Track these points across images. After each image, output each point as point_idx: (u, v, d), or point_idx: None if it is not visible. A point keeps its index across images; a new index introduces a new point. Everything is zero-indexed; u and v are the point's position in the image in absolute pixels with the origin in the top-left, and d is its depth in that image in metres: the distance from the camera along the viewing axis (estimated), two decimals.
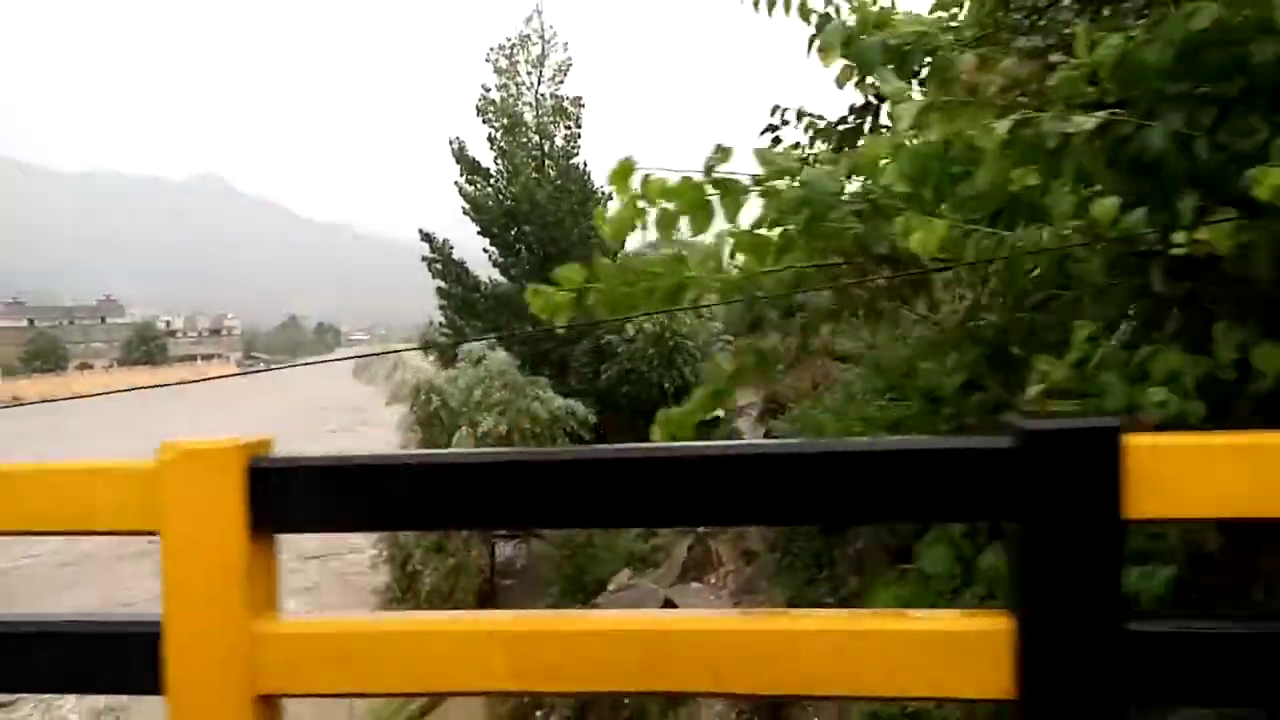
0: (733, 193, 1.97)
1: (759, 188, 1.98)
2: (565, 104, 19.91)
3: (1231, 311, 2.08)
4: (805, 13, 3.07)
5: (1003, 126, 1.96)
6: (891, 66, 2.62)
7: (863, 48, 2.44)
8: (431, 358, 19.52)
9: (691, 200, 1.93)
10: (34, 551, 21.54)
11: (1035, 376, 1.77)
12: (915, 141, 1.93)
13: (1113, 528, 1.12)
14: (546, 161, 19.45)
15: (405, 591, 15.83)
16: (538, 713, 8.43)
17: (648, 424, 2.32)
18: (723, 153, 1.89)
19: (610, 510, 1.25)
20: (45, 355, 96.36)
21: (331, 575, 21.15)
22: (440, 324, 20.14)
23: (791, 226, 2.02)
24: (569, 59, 20.11)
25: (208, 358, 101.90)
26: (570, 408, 15.36)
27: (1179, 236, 1.66)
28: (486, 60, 19.66)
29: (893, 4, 3.27)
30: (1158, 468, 1.12)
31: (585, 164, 19.87)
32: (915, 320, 2.18)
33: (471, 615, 1.32)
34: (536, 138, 19.62)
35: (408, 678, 1.26)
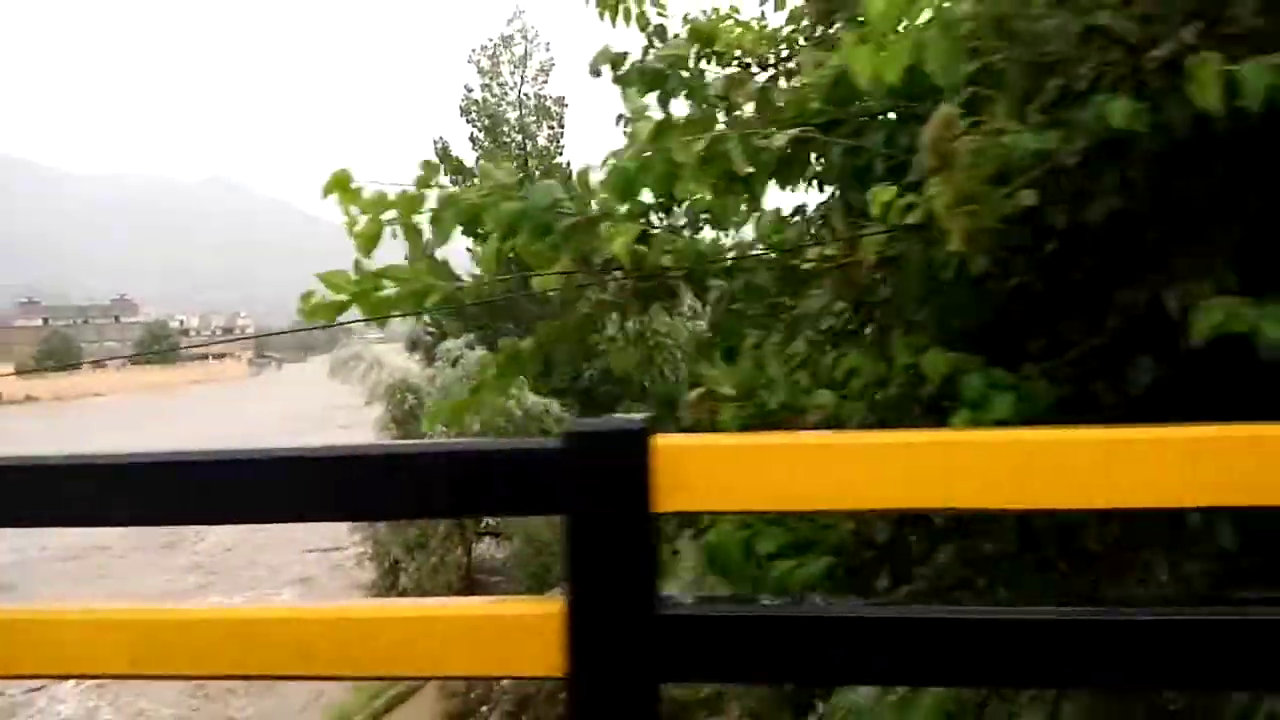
0: (454, 206, 2.12)
1: (479, 200, 2.13)
2: (548, 104, 20.09)
3: (932, 320, 2.21)
4: (643, 24, 3.22)
5: (699, 145, 2.10)
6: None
7: (623, 70, 2.58)
8: (418, 357, 19.74)
9: (410, 213, 2.08)
10: (45, 544, 21.64)
11: (707, 381, 1.90)
12: (621, 158, 2.07)
13: (643, 520, 1.25)
14: (530, 161, 19.63)
15: (389, 588, 16.07)
16: (483, 708, 8.62)
17: None
18: (430, 169, 2.04)
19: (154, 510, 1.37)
20: (58, 354, 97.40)
21: (330, 567, 21.38)
22: (426, 323, 20.35)
23: (520, 238, 2.17)
24: (551, 59, 20.30)
25: (219, 356, 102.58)
26: (545, 406, 15.53)
27: (811, 252, 1.79)
28: (469, 61, 19.89)
29: (761, 17, 3.41)
30: (683, 466, 1.24)
31: (569, 164, 20.05)
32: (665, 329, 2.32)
33: (97, 605, 1.46)
34: (519, 137, 19.81)
35: (40, 662, 1.40)
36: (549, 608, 1.27)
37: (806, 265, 1.81)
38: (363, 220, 2.08)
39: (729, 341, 2.16)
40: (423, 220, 2.26)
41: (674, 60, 2.55)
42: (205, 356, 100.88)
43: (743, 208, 2.20)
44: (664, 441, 1.24)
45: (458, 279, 2.24)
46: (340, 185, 2.06)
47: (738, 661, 1.31)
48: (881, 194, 1.72)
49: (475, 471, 1.35)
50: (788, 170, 2.17)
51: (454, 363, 15.75)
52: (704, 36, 3.05)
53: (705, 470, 1.27)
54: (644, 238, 2.15)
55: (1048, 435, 1.24)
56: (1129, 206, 2.05)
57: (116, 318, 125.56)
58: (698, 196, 2.02)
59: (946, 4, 1.62)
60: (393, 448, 1.35)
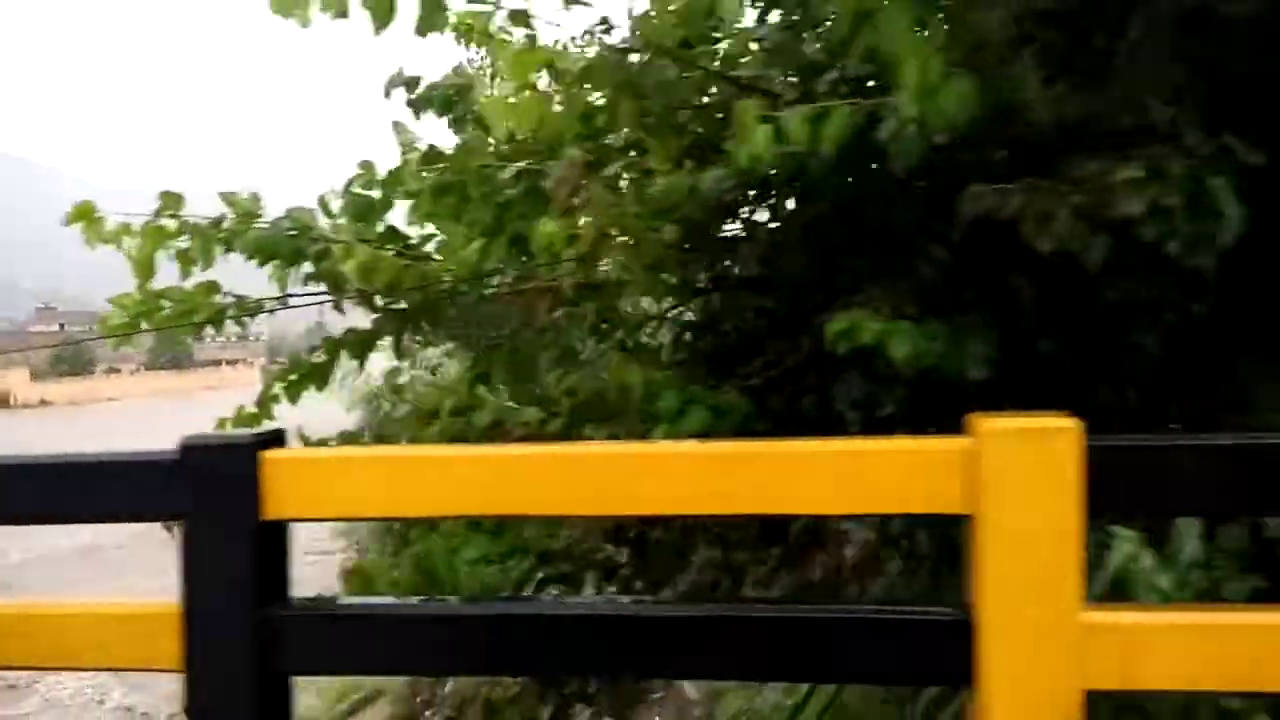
0: (201, 236, 2.26)
1: (233, 228, 2.27)
2: None
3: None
4: (483, 41, 3.36)
5: (430, 178, 2.24)
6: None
7: (416, 95, 2.72)
8: (405, 364, 19.85)
9: (155, 243, 2.21)
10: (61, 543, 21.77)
11: (419, 400, 2.04)
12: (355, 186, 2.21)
13: (252, 526, 1.38)
14: None
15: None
16: (427, 712, 8.72)
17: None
18: (172, 199, 2.17)
19: None
20: (73, 359, 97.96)
21: (327, 570, 21.60)
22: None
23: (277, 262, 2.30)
24: None
25: (232, 362, 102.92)
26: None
27: (494, 279, 1.92)
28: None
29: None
30: (290, 477, 1.37)
31: None
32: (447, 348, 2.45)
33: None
34: None
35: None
36: (168, 608, 1.39)
37: (490, 291, 1.93)
38: (118, 245, 2.22)
39: (477, 366, 2.29)
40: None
41: (461, 88, 2.68)
42: (219, 363, 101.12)
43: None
44: (272, 454, 1.36)
45: (228, 296, 2.38)
46: (83, 216, 2.19)
47: (351, 655, 1.44)
48: (544, 227, 1.84)
49: (103, 478, 1.48)
50: (526, 201, 2.30)
51: (433, 370, 15.87)
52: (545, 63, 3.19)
53: (309, 481, 1.40)
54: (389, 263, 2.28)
55: (628, 448, 1.36)
56: (829, 238, 2.17)
57: None
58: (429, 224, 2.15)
59: (576, 57, 1.74)
60: (54, 458, 1.49)
